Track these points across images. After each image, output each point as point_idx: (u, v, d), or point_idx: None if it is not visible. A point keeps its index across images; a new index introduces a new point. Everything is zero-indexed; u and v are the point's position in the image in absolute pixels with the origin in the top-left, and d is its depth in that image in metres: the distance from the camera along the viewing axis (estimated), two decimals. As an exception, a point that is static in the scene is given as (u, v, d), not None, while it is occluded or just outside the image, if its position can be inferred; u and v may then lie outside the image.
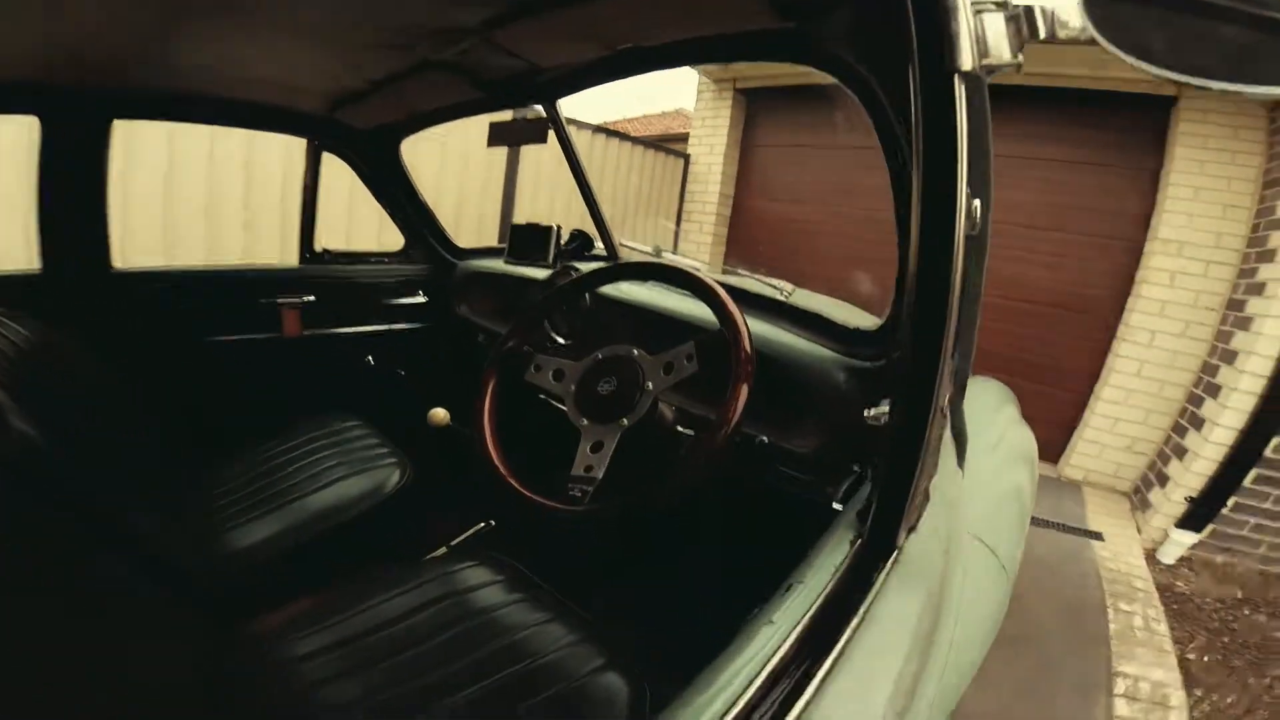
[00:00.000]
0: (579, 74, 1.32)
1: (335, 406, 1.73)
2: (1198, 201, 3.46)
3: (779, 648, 0.49)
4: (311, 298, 1.85)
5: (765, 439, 1.08)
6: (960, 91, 0.46)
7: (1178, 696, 1.94)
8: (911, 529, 0.58)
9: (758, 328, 1.06)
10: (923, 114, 0.48)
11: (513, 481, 1.02)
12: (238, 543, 1.23)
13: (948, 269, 0.45)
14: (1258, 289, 3.09)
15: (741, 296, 1.02)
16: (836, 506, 0.93)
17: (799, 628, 0.50)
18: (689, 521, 1.57)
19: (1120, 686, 1.94)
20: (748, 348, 0.93)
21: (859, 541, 0.60)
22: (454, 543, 1.68)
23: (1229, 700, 2.01)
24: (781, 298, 1.28)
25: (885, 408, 0.63)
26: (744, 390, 0.90)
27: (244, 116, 1.66)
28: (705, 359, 0.98)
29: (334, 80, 1.45)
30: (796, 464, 1.16)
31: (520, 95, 1.49)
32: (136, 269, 1.63)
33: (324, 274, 1.91)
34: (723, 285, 1.05)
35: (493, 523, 1.76)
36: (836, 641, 0.50)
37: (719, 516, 1.48)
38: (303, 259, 1.92)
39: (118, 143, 2.62)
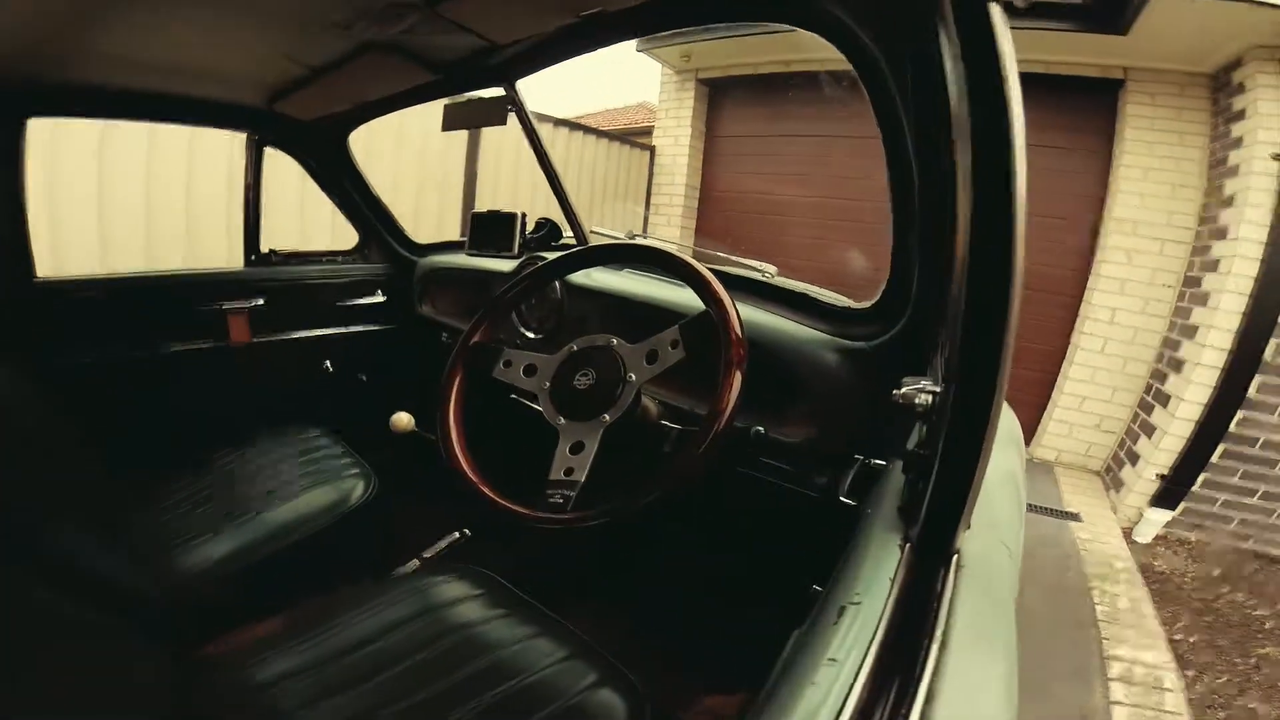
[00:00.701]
0: (540, 49, 1.23)
1: (293, 416, 1.63)
2: (1148, 181, 3.56)
3: (849, 693, 0.39)
4: (260, 301, 1.74)
5: (761, 429, 1.01)
6: (1003, 25, 0.40)
7: (1171, 679, 1.95)
8: (968, 526, 0.50)
9: (741, 311, 0.99)
10: (963, 58, 0.42)
11: (484, 489, 0.93)
12: (190, 563, 1.15)
13: (1009, 228, 0.38)
14: (1212, 265, 3.18)
15: (722, 280, 0.95)
16: (848, 501, 0.86)
17: (868, 665, 0.41)
18: (678, 521, 1.51)
19: (1115, 670, 1.94)
20: (738, 330, 0.86)
21: (908, 546, 0.51)
22: (426, 555, 1.59)
23: (1220, 681, 2.03)
24: (764, 279, 1.23)
25: (922, 384, 0.54)
26: (737, 377, 0.83)
27: (175, 111, 1.55)
28: (691, 345, 0.91)
29: (270, 69, 1.35)
30: (787, 455, 1.11)
31: (477, 77, 1.40)
32: (63, 278, 1.51)
33: (272, 276, 1.79)
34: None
35: (467, 532, 1.68)
36: (919, 677, 0.40)
37: (710, 514, 1.42)
38: (248, 261, 1.80)
39: (40, 142, 2.47)
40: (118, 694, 0.77)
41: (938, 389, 0.53)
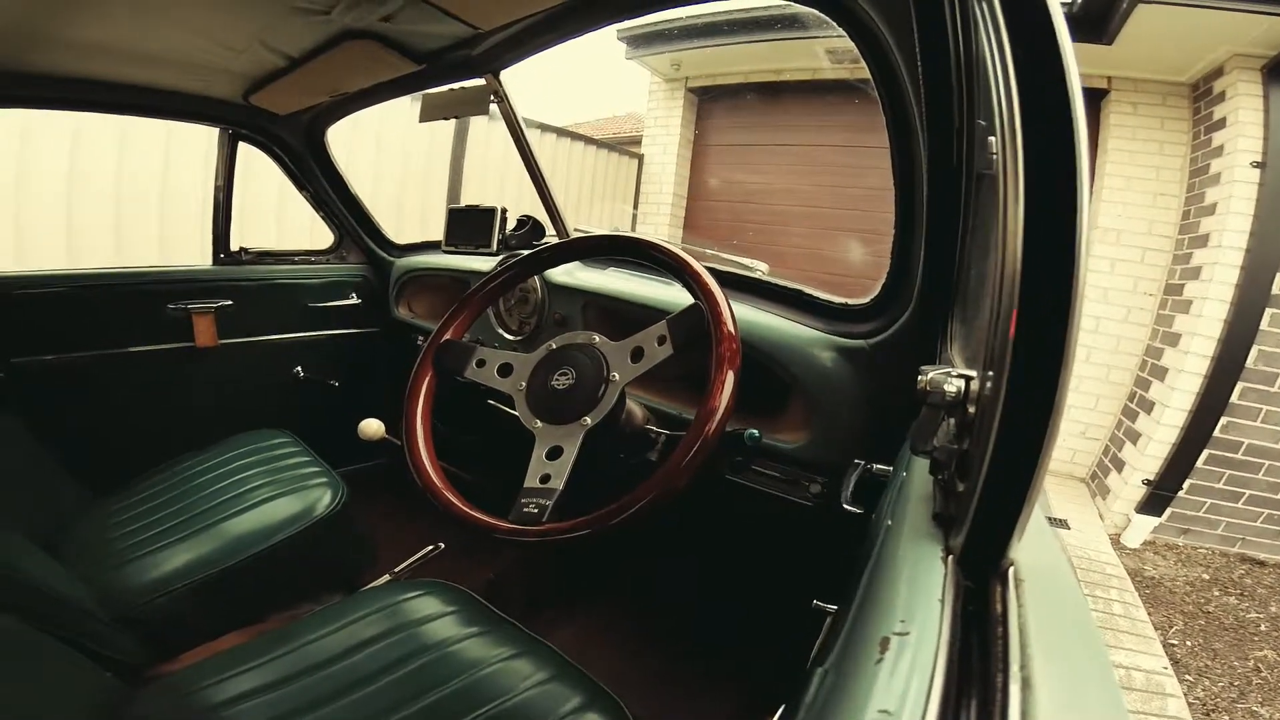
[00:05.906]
0: (526, 35, 1.18)
1: (259, 422, 1.55)
2: (1131, 191, 3.59)
3: None
4: (228, 303, 1.67)
5: (756, 432, 0.95)
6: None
7: (1171, 684, 1.92)
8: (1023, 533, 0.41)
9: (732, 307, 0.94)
10: (1007, 31, 0.37)
11: (450, 496, 0.86)
12: (145, 575, 1.07)
13: (1073, 181, 0.32)
14: (1194, 273, 3.20)
15: (713, 276, 0.89)
16: (852, 508, 0.80)
17: (932, 717, 0.31)
18: (665, 533, 1.45)
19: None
20: (730, 324, 0.81)
21: (950, 559, 0.43)
22: (398, 569, 1.52)
23: (1220, 685, 2.01)
24: (757, 276, 1.18)
25: (950, 370, 0.47)
26: (729, 375, 0.77)
27: (145, 104, 1.49)
28: (680, 342, 0.85)
29: (246, 59, 1.29)
30: (780, 460, 1.05)
31: (460, 67, 1.35)
32: (22, 273, 1.44)
33: (242, 276, 1.72)
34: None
35: (442, 545, 1.60)
36: None
37: (699, 525, 1.35)
38: (217, 260, 1.72)
39: (10, 135, 2.38)
40: (55, 716, 0.71)
41: (971, 374, 0.46)
